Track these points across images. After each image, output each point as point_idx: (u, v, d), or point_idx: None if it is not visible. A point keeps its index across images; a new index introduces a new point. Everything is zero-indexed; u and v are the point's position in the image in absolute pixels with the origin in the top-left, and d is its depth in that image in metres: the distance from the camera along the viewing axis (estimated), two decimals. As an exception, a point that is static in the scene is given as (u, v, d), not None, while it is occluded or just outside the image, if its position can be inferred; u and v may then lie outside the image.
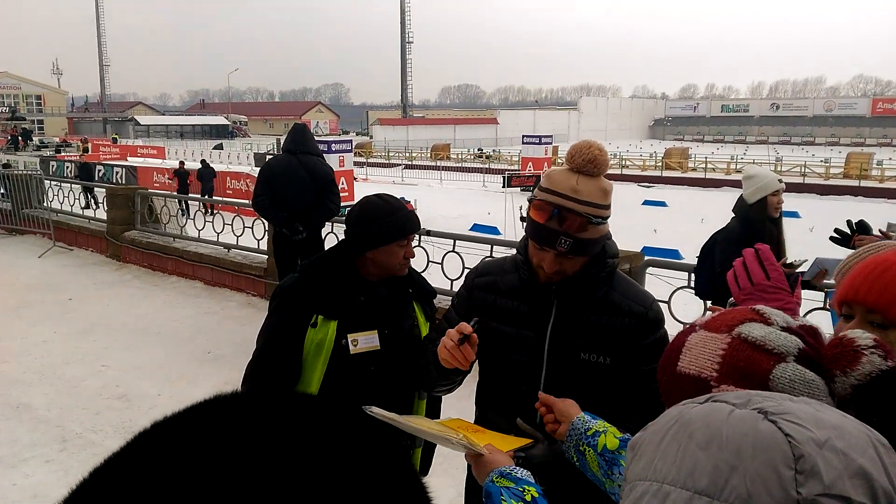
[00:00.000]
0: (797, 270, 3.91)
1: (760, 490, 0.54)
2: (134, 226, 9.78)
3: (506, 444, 1.60)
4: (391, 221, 2.22)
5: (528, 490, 1.31)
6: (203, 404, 0.48)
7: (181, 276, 8.72)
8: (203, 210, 9.46)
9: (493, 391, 1.94)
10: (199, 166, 21.63)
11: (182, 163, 23.84)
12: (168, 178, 22.47)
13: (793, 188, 25.13)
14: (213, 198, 17.49)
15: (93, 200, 15.63)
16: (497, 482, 1.34)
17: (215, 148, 49.96)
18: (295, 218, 5.73)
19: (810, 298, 3.79)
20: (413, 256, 2.31)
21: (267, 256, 7.72)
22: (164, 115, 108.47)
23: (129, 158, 43.68)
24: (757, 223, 4.06)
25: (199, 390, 5.26)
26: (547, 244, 1.72)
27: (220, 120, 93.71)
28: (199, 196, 15.90)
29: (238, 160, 41.53)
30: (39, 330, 6.71)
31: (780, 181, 4.09)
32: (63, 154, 37.70)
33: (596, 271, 1.80)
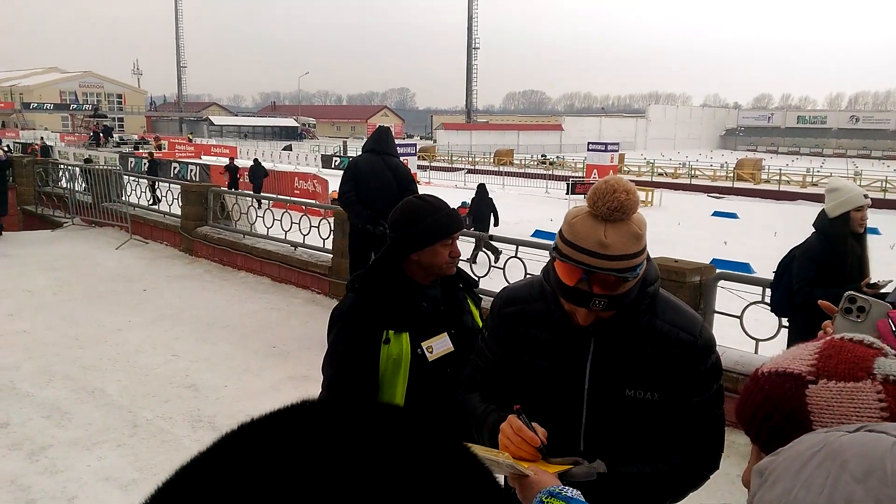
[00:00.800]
0: (881, 291, 3.73)
1: None
2: (206, 222, 10.09)
3: (551, 468, 1.53)
4: (433, 221, 2.15)
5: None
6: (290, 409, 0.47)
7: (249, 272, 8.95)
8: (257, 205, 9.71)
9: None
10: (252, 164, 22.54)
11: (232, 158, 24.95)
12: (220, 173, 23.31)
13: (873, 204, 24.07)
14: (283, 197, 17.91)
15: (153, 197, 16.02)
16: (547, 502, 1.30)
17: (284, 149, 51.23)
18: (378, 215, 5.90)
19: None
20: (459, 255, 2.23)
21: (332, 255, 7.84)
22: (236, 115, 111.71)
23: (203, 157, 45.15)
24: (838, 239, 3.89)
25: (264, 383, 5.40)
26: (579, 304, 1.58)
27: (289, 122, 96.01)
28: (272, 195, 16.30)
29: (306, 161, 42.48)
30: (115, 318, 6.98)
31: (866, 196, 3.91)
32: (140, 151, 39.18)
33: (635, 303, 1.63)
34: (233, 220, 9.97)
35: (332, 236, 7.88)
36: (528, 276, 5.94)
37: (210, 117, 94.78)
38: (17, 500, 3.68)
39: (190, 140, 58.61)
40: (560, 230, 1.58)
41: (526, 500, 1.37)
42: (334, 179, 18.71)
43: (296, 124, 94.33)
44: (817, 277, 3.87)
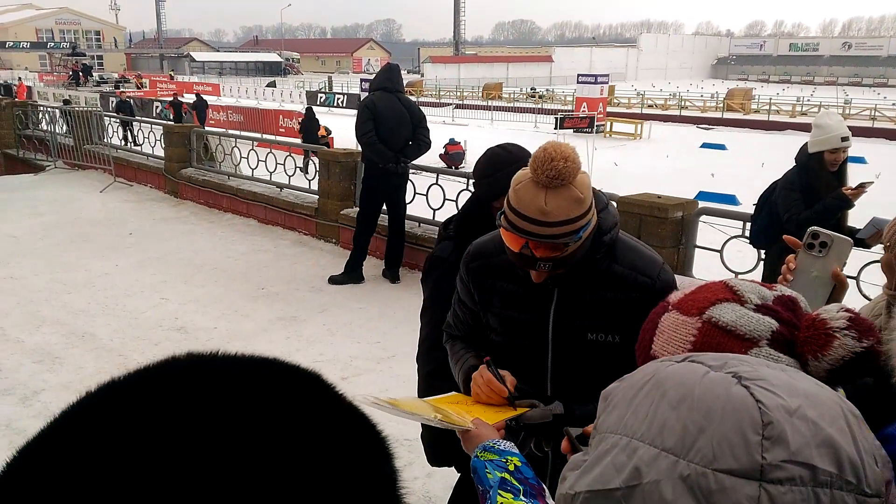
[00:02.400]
0: (854, 228, 3.80)
1: (726, 453, 0.55)
2: (190, 163, 9.99)
3: (500, 416, 1.60)
4: (514, 171, 2.24)
5: (511, 460, 1.32)
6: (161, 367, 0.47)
7: (236, 214, 8.93)
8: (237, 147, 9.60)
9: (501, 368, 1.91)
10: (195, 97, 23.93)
11: (176, 94, 26.10)
12: (165, 108, 24.29)
13: (861, 132, 24.00)
14: (258, 135, 17.75)
15: (131, 137, 15.63)
16: (481, 456, 1.36)
17: (268, 86, 50.13)
18: (398, 154, 6.04)
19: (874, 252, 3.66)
20: None
21: (318, 196, 7.81)
22: (218, 51, 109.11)
23: (185, 95, 44.27)
24: (814, 174, 3.93)
25: (254, 324, 5.47)
26: (526, 267, 1.64)
27: (272, 57, 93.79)
28: (249, 134, 16.11)
29: (290, 98, 41.68)
30: (102, 263, 6.99)
31: (846, 139, 3.90)
32: (122, 91, 38.31)
33: (593, 251, 1.68)
34: (217, 162, 9.87)
35: (317, 177, 7.84)
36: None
37: (191, 53, 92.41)
38: (12, 443, 3.74)
39: (171, 78, 57.26)
40: (507, 195, 1.61)
41: (468, 451, 1.44)
42: (321, 118, 18.45)
43: (279, 59, 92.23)
44: (803, 204, 3.93)
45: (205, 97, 25.12)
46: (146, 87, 49.60)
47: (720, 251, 4.79)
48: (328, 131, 19.37)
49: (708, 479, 0.54)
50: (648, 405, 0.61)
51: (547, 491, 1.28)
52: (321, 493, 0.41)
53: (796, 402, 0.57)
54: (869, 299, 3.64)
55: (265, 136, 19.06)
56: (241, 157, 9.35)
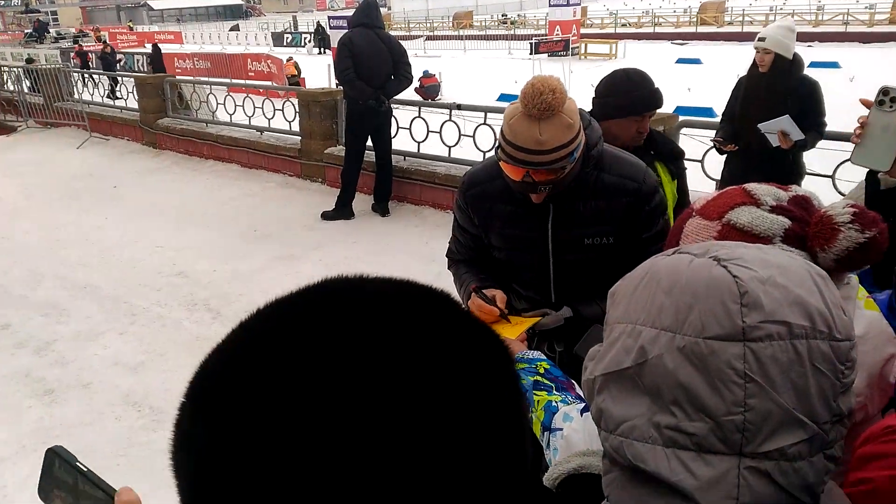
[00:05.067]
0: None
1: (712, 322, 0.64)
2: (166, 113, 9.87)
3: (518, 329, 1.76)
4: (631, 97, 2.40)
5: (541, 364, 1.45)
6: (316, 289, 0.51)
7: (218, 160, 8.89)
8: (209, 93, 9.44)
9: (506, 281, 2.05)
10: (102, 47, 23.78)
11: (81, 45, 26.67)
12: (72, 58, 23.88)
13: (834, 37, 23.93)
14: (238, 81, 17.39)
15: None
16: None
17: (231, 30, 48.67)
18: (378, 91, 5.99)
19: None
20: (646, 131, 2.47)
21: (300, 137, 7.80)
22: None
23: (147, 45, 42.96)
24: (749, 76, 4.17)
25: (252, 264, 5.59)
26: (528, 192, 1.77)
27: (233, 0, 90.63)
28: (225, 80, 15.83)
29: (256, 41, 40.58)
30: (91, 217, 7.01)
31: (761, 38, 4.04)
32: (84, 45, 37.14)
33: (583, 165, 1.81)
34: (193, 110, 9.76)
35: (297, 118, 7.81)
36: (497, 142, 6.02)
37: (148, 2, 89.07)
38: (35, 391, 3.91)
39: (131, 29, 55.32)
40: (501, 130, 1.72)
41: None
42: (299, 58, 18.09)
43: (240, 2, 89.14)
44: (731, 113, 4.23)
45: (161, 46, 24.50)
46: (105, 40, 47.99)
47: (701, 161, 4.93)
48: (299, 70, 19.02)
49: (700, 346, 0.63)
50: (646, 295, 0.70)
51: (576, 384, 1.39)
52: (476, 391, 0.47)
53: (768, 273, 0.66)
54: (843, 194, 3.82)
55: (234, 80, 18.70)
56: (217, 104, 9.25)
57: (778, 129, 3.81)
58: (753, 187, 1.04)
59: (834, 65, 17.75)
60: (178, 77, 12.85)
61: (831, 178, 4.44)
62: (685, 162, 5.03)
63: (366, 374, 0.43)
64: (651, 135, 2.54)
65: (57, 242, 6.29)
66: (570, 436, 1.20)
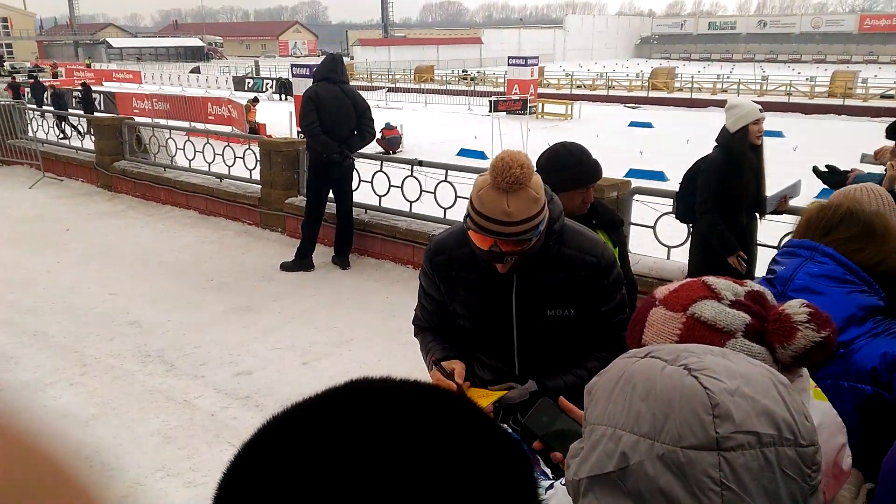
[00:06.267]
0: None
1: (688, 432, 0.69)
2: (123, 156, 9.78)
3: (484, 402, 1.82)
4: (574, 172, 2.58)
5: None
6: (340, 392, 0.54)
7: (175, 206, 8.82)
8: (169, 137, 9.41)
9: (471, 350, 2.13)
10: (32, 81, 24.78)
11: (14, 78, 28.18)
12: (4, 90, 23.98)
13: (778, 107, 25.12)
14: (198, 124, 17.35)
15: (71, 129, 15.19)
16: None
17: (192, 72, 48.61)
18: (342, 145, 6.11)
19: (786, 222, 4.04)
20: (590, 201, 2.65)
21: (261, 186, 7.82)
22: (136, 36, 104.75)
23: (104, 83, 42.51)
24: (738, 152, 4.23)
25: (207, 315, 5.52)
26: (495, 262, 1.86)
27: (194, 41, 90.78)
28: (185, 125, 15.77)
29: (217, 84, 40.58)
30: (42, 260, 6.85)
31: (761, 110, 4.25)
32: (44, 80, 36.60)
33: (546, 238, 1.90)
34: (151, 154, 9.70)
35: (258, 166, 7.83)
36: (458, 198, 6.13)
37: (108, 39, 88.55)
38: (-24, 443, 3.76)
39: (89, 66, 54.87)
40: (470, 199, 1.80)
41: None
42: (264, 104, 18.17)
43: (202, 44, 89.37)
44: (719, 190, 4.25)
45: (120, 85, 24.38)
46: (62, 75, 47.37)
47: (653, 227, 5.13)
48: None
49: (678, 455, 0.68)
50: (624, 398, 0.74)
51: (541, 460, 1.41)
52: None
53: (735, 384, 0.71)
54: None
55: (195, 124, 18.66)
56: (176, 149, 9.22)
57: (787, 194, 4.23)
58: (713, 281, 1.10)
59: (778, 134, 18.65)
60: (136, 118, 12.75)
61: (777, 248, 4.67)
62: (638, 228, 5.26)
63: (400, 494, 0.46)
64: (592, 204, 2.71)
65: (5, 286, 6.12)
66: None
